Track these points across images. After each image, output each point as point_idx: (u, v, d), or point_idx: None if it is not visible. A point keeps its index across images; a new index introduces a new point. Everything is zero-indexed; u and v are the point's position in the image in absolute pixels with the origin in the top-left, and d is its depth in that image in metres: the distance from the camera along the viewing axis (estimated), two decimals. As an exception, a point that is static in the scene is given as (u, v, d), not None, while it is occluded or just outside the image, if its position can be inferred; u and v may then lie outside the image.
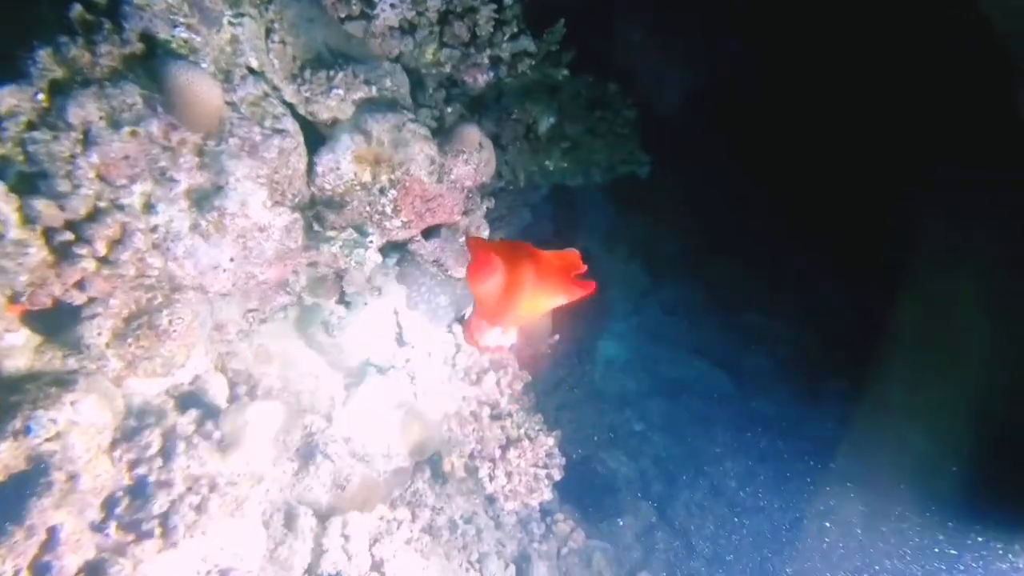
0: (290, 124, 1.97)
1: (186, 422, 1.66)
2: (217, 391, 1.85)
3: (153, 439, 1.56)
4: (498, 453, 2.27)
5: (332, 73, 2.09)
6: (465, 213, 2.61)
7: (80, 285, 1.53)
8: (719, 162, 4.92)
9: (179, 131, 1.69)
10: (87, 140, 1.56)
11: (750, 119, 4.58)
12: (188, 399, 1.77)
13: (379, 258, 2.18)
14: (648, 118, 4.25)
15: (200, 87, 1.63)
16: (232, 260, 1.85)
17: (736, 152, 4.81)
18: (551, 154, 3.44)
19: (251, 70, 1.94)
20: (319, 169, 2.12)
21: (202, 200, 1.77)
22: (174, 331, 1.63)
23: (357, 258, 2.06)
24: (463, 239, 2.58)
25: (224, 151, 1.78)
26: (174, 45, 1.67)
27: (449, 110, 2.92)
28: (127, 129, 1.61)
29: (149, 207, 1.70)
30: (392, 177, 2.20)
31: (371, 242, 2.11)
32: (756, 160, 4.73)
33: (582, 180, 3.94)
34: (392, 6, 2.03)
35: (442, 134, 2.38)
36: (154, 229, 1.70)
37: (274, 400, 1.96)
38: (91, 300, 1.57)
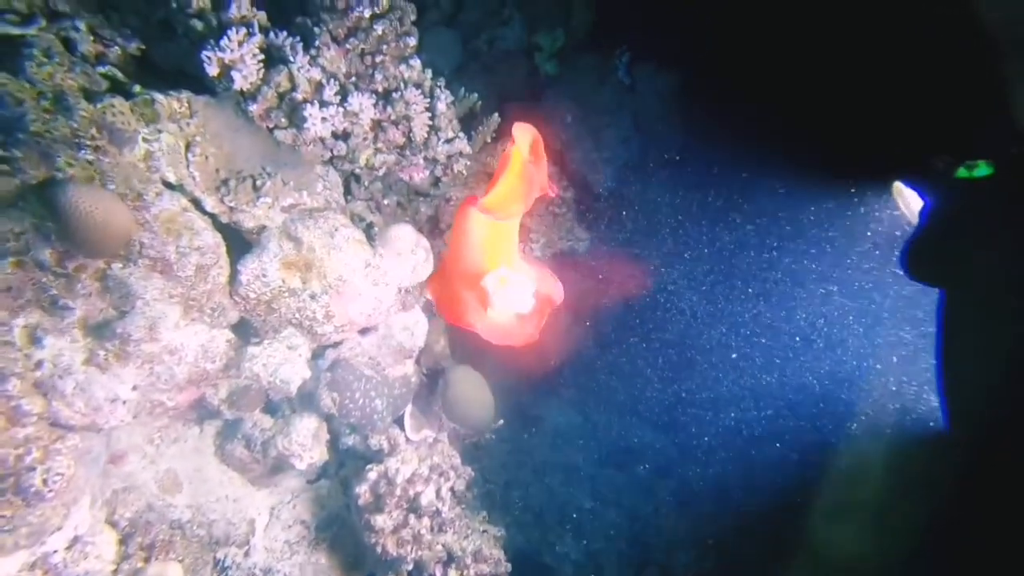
0: (210, 238, 1.87)
1: (55, 611, 1.41)
2: (103, 551, 1.61)
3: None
4: (438, 572, 2.12)
5: (259, 182, 2.03)
6: (403, 308, 2.56)
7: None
8: (645, 229, 5.17)
9: (77, 258, 1.55)
10: (-41, 275, 1.39)
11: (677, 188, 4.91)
12: (61, 572, 1.52)
13: (307, 373, 2.06)
14: (585, 195, 4.48)
15: (103, 212, 1.51)
16: (135, 389, 1.68)
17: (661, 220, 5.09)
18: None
19: (169, 184, 1.84)
20: (243, 278, 2.01)
21: (101, 328, 1.61)
22: (49, 492, 1.41)
23: (283, 376, 1.93)
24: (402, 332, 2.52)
25: (132, 273, 1.65)
26: (77, 169, 1.56)
27: (386, 201, 2.92)
28: (10, 259, 1.46)
29: (34, 340, 1.52)
30: (324, 283, 2.13)
31: (299, 355, 2.00)
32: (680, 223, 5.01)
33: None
34: (324, 120, 2.03)
35: (378, 232, 2.36)
36: (38, 365, 1.51)
37: (173, 559, 1.73)
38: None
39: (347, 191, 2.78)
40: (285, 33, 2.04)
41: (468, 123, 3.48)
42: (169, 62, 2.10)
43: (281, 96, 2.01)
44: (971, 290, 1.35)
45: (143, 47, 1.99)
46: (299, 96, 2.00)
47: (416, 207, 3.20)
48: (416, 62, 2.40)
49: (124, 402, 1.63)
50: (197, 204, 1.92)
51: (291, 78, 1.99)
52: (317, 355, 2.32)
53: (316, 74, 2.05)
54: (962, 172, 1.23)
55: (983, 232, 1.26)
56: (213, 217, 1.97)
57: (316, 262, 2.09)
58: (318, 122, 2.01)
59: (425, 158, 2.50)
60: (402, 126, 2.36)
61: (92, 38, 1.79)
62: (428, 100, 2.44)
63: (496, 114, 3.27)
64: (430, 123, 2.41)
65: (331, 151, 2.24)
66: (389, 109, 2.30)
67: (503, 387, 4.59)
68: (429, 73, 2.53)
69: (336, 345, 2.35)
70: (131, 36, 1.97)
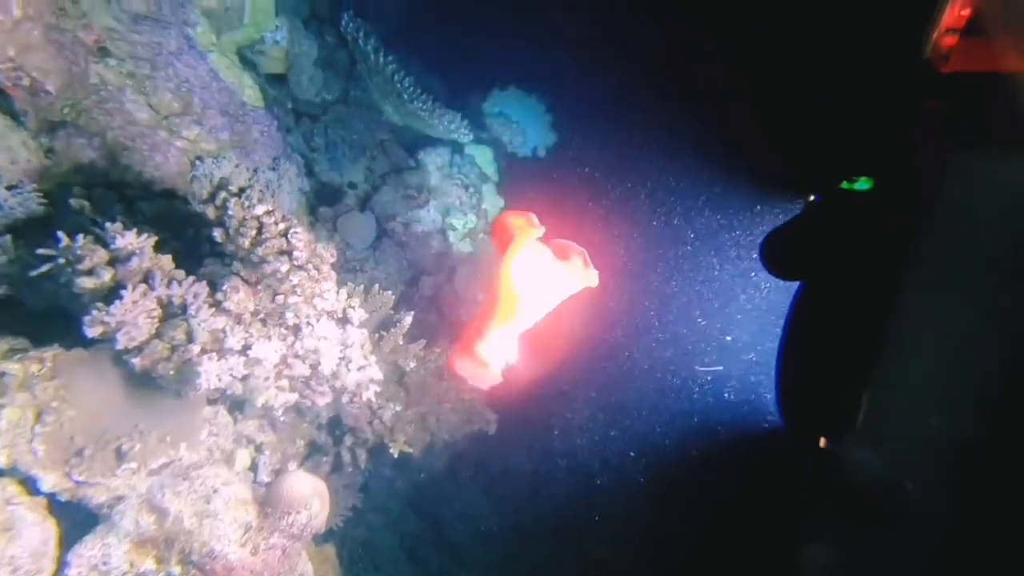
0: (36, 536, 1.52)
1: None
2: None
3: None
4: None
5: (125, 446, 1.76)
6: (284, 555, 2.22)
7: None
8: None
9: None
10: None
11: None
12: None
13: None
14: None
15: None
16: None
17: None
18: (396, 437, 3.35)
19: (-5, 471, 1.52)
20: (72, 571, 1.62)
21: None
22: None
23: None
24: None
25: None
26: None
27: (282, 418, 2.70)
28: None
29: None
30: (187, 562, 1.79)
31: None
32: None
33: (429, 441, 3.88)
34: (219, 377, 1.90)
35: (269, 487, 2.11)
36: None
37: None
38: None
39: (238, 408, 2.53)
40: (191, 280, 1.97)
41: (380, 321, 3.51)
42: (40, 301, 1.88)
43: (173, 348, 1.86)
44: (817, 287, 1.36)
45: (9, 292, 1.78)
46: (195, 349, 1.86)
47: (316, 413, 3.00)
48: (330, 294, 2.43)
49: None
50: (32, 485, 1.58)
51: (188, 331, 1.87)
52: (162, 647, 1.84)
53: (220, 323, 1.96)
54: (845, 184, 1.30)
55: (843, 234, 1.29)
56: (52, 497, 1.62)
57: (181, 535, 1.77)
58: (213, 377, 1.87)
59: (332, 387, 2.41)
60: (310, 359, 2.29)
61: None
62: (341, 329, 2.43)
63: (409, 315, 3.36)
64: (341, 355, 2.37)
65: (226, 391, 2.06)
66: (297, 344, 2.23)
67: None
68: (343, 296, 2.56)
69: (191, 630, 1.91)
70: (-6, 279, 1.76)
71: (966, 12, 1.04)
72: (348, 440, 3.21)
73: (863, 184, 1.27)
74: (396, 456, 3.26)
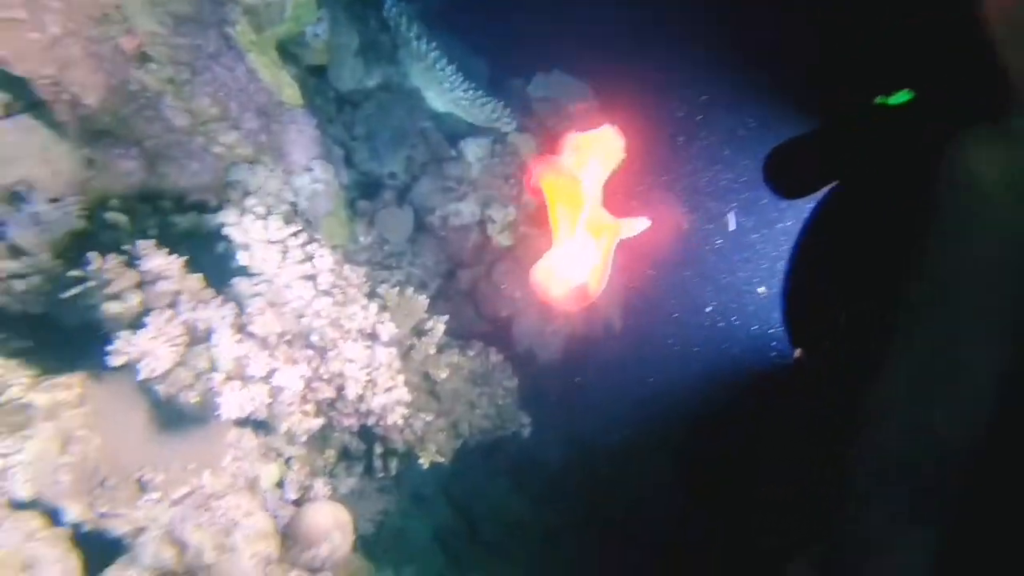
0: (56, 574, 1.51)
1: None
2: None
3: None
4: None
5: (148, 477, 1.74)
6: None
7: None
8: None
9: None
10: None
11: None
12: None
13: None
14: (528, 372, 4.41)
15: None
16: None
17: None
18: (426, 447, 3.28)
19: (20, 504, 1.52)
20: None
21: None
22: None
23: None
24: None
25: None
26: None
27: (301, 437, 2.66)
28: None
29: None
30: (205, 591, 1.78)
31: None
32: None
33: (459, 446, 3.83)
34: (240, 407, 1.83)
35: (290, 520, 2.07)
36: None
37: None
38: None
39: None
40: (218, 301, 1.90)
41: (413, 326, 3.39)
42: (74, 319, 1.87)
43: (197, 375, 1.82)
44: (832, 202, 1.23)
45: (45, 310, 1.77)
46: (218, 378, 1.81)
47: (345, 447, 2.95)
48: (358, 315, 2.31)
49: None
50: (55, 516, 1.59)
51: (211, 360, 1.81)
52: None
53: (243, 349, 1.89)
54: (880, 99, 1.17)
55: (874, 146, 1.16)
56: (76, 527, 1.63)
57: (201, 570, 1.76)
58: (235, 407, 1.81)
59: (357, 411, 2.33)
60: (335, 382, 2.20)
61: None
62: (368, 349, 2.32)
63: (442, 322, 3.23)
64: (367, 377, 2.27)
65: (248, 416, 2.02)
66: (323, 368, 2.15)
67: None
68: (373, 312, 2.44)
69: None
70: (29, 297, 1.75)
71: None
72: (378, 448, 3.17)
73: (901, 97, 1.13)
74: (427, 466, 3.21)
